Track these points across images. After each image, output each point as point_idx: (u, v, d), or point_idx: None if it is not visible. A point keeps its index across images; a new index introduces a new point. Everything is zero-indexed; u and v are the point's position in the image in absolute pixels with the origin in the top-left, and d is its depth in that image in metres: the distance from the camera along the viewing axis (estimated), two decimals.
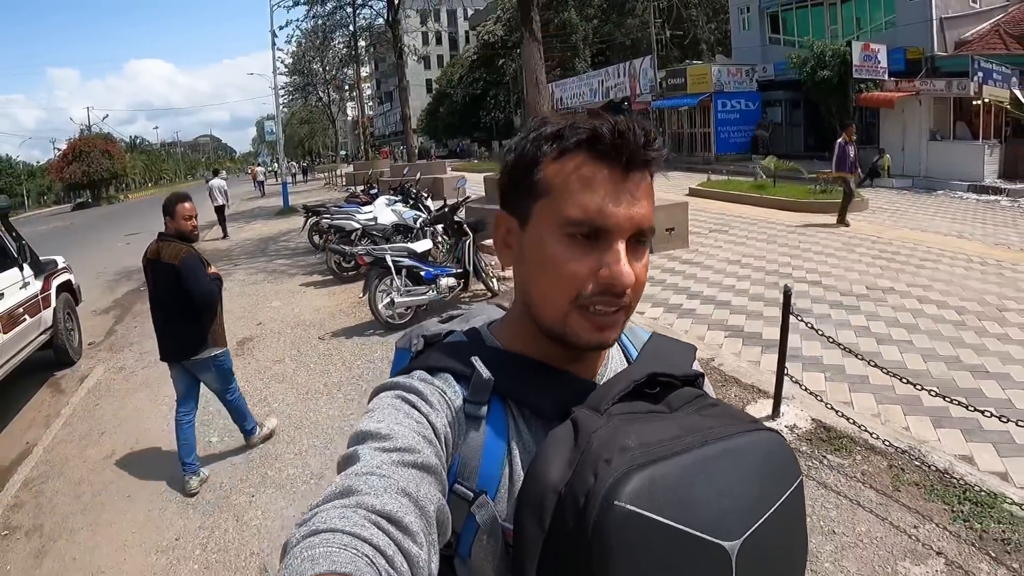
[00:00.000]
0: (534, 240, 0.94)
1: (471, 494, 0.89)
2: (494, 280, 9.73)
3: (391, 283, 8.46)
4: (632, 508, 0.74)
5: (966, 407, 4.41)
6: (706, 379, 1.09)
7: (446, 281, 8.76)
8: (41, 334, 8.18)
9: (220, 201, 20.91)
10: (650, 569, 0.74)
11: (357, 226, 11.77)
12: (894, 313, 8.11)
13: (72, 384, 8.10)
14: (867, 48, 23.19)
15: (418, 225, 11.15)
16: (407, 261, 8.55)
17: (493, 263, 9.93)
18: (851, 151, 13.92)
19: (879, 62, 23.33)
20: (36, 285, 8.21)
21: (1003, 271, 10.07)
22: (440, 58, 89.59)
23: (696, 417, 0.89)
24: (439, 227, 10.62)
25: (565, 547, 0.77)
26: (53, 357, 8.68)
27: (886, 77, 23.60)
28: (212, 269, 5.25)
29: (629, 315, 0.96)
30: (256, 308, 10.68)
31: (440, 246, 10.46)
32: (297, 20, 32.43)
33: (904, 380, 4.75)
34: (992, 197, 19.18)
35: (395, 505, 0.72)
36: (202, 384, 5.32)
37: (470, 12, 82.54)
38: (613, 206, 0.88)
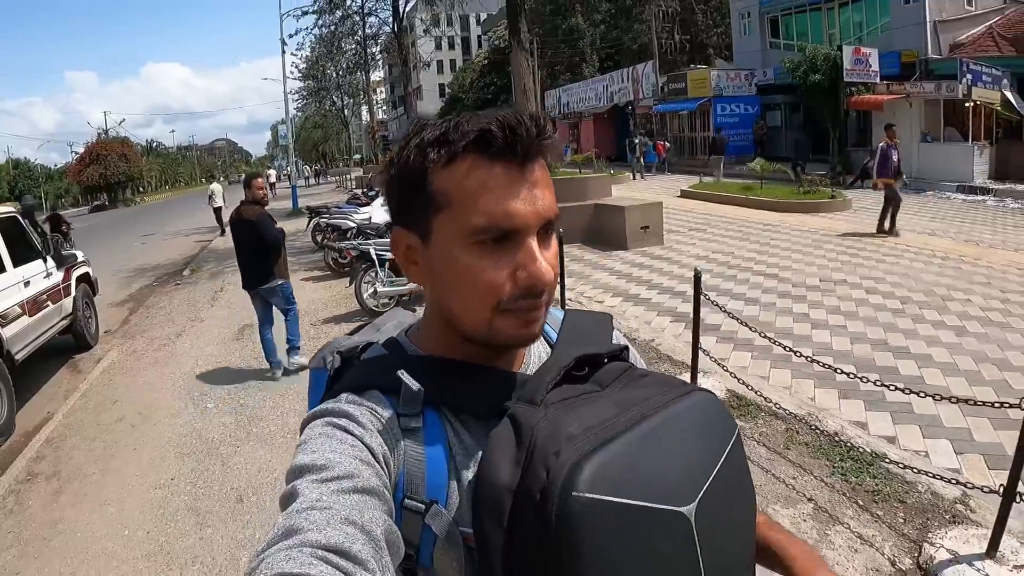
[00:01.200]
0: (442, 255, 0.92)
1: (422, 506, 0.89)
2: None
3: (376, 275, 9.33)
4: (590, 496, 0.75)
5: (874, 382, 4.66)
6: (631, 348, 1.11)
7: None
8: (62, 320, 9.09)
9: (219, 203, 23.73)
10: (617, 549, 0.76)
11: (352, 225, 12.68)
12: (838, 302, 8.81)
13: (89, 365, 9.02)
14: (858, 52, 23.65)
15: None
16: (390, 255, 9.38)
17: None
18: (894, 155, 13.36)
19: (870, 65, 23.79)
20: (58, 276, 9.11)
21: (962, 266, 10.64)
22: (453, 63, 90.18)
23: (629, 391, 0.91)
24: None
25: (530, 544, 0.77)
26: (72, 342, 9.64)
27: (877, 80, 24.03)
28: (278, 224, 7.56)
29: (549, 306, 0.96)
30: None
31: None
32: (307, 28, 33.25)
33: (798, 353, 5.41)
34: (979, 197, 19.63)
35: (340, 536, 0.71)
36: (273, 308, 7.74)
37: (483, 17, 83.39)
38: (517, 204, 0.88)
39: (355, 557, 0.70)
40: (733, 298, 8.95)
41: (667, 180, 27.60)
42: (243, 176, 8.70)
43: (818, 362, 5.06)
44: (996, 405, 3.87)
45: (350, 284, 9.52)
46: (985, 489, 3.69)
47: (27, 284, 8.14)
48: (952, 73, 21.70)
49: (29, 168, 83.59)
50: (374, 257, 9.34)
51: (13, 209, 8.70)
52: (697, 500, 0.83)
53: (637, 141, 31.37)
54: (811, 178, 19.49)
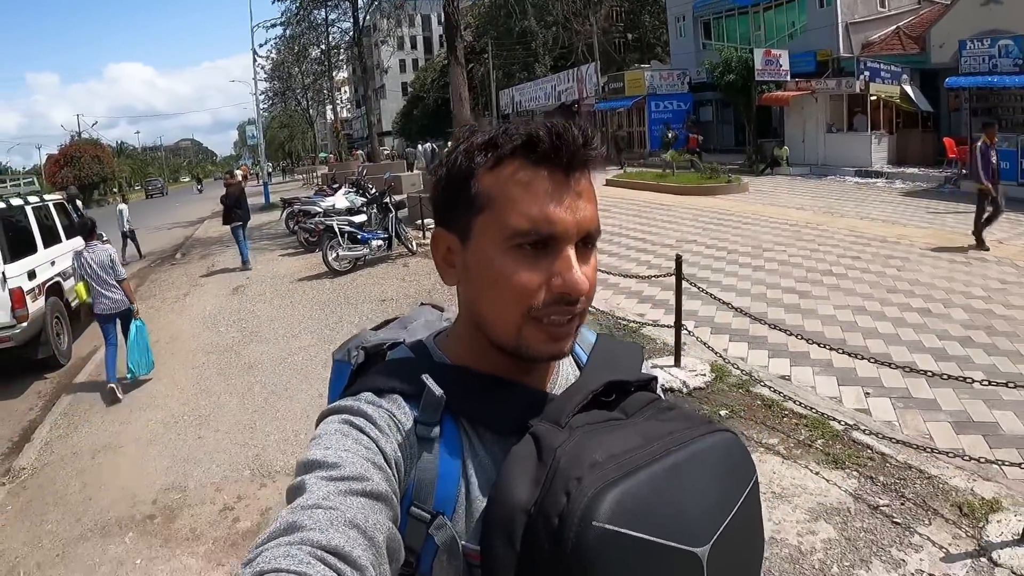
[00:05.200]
0: (479, 257, 0.92)
1: (428, 516, 0.89)
2: (412, 242, 13.66)
3: (338, 243, 12.33)
4: (609, 527, 0.75)
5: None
6: (658, 381, 1.09)
7: (376, 242, 12.79)
8: None
9: (127, 227, 20.10)
10: None
11: (320, 209, 15.68)
12: (686, 255, 11.45)
13: None
14: (768, 54, 26.42)
15: (358, 206, 15.05)
16: (348, 228, 12.52)
17: (413, 232, 13.85)
18: (993, 156, 11.33)
19: (781, 65, 26.52)
20: None
21: (801, 230, 13.46)
22: (416, 62, 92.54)
23: (654, 423, 0.90)
24: (374, 207, 14.47)
25: (540, 568, 0.77)
26: None
27: (788, 79, 26.67)
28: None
29: (582, 322, 0.96)
30: (245, 271, 14.52)
31: (373, 219, 14.23)
32: (275, 38, 35.14)
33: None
34: (872, 180, 22.21)
35: (342, 539, 0.72)
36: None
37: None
38: (559, 211, 0.88)
39: (354, 562, 0.71)
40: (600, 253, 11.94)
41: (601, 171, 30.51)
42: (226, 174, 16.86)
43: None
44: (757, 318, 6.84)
45: (318, 250, 12.51)
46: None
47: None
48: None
49: (1, 170, 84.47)
50: (336, 230, 12.40)
51: (61, 196, 11.50)
52: (711, 542, 0.82)
53: None
54: (713, 166, 22.40)
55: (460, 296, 1.00)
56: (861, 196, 18.74)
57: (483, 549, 0.82)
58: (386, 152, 51.82)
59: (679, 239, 13.24)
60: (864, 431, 5.03)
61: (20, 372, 8.86)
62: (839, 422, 5.17)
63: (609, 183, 24.52)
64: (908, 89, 24.36)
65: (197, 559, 4.25)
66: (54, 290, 9.51)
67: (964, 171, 19.46)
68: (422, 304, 1.27)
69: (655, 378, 1.05)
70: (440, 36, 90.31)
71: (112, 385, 7.39)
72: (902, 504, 4.17)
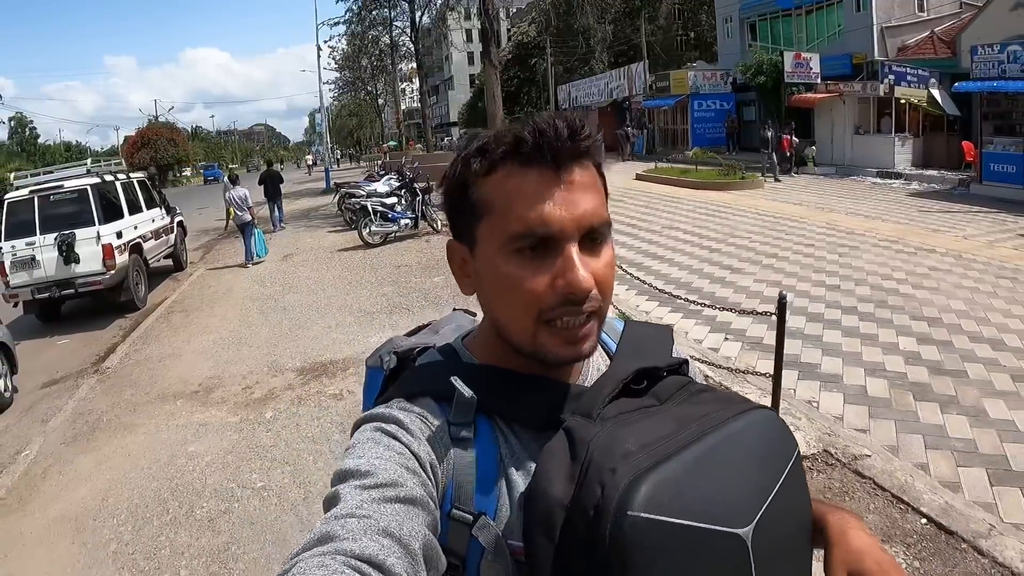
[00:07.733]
0: (485, 264, 0.93)
1: (470, 517, 0.89)
2: (438, 222, 15.76)
3: (371, 221, 14.56)
4: (646, 515, 0.74)
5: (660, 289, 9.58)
6: (690, 362, 1.11)
7: (404, 221, 15.01)
8: (168, 247, 14.35)
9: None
10: (671, 570, 0.75)
11: (363, 193, 17.89)
12: (663, 239, 13.44)
13: (185, 277, 14.35)
14: (798, 57, 27.47)
15: (392, 190, 17.27)
16: (380, 208, 14.74)
17: (440, 214, 15.99)
18: None
19: (811, 68, 27.49)
20: (167, 219, 14.31)
21: (780, 222, 14.51)
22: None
23: (688, 407, 0.90)
24: (404, 191, 16.66)
25: (580, 562, 0.76)
26: (172, 266, 15.03)
27: (818, 81, 27.53)
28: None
29: (602, 319, 0.94)
30: (296, 243, 17.10)
31: (404, 201, 16.37)
32: (339, 35, 37.08)
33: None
34: (890, 181, 22.72)
35: (375, 548, 0.72)
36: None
37: (512, 11, 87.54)
38: (553, 209, 0.86)
39: (388, 570, 0.70)
40: None
41: (637, 165, 31.91)
42: (268, 161, 22.74)
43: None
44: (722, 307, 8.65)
45: (354, 227, 14.78)
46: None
47: (153, 221, 13.27)
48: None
49: (81, 151, 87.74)
50: (370, 209, 14.67)
51: (144, 175, 13.92)
52: (755, 522, 0.81)
53: (630, 131, 36.32)
54: (731, 163, 23.77)
55: (480, 303, 1.00)
56: (867, 195, 19.31)
57: (525, 546, 0.81)
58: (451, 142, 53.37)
59: (665, 226, 14.92)
60: (703, 361, 6.51)
61: (106, 312, 11.36)
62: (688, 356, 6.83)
63: (639, 177, 26.09)
64: (936, 93, 24.52)
65: (221, 411, 6.46)
66: (135, 249, 11.82)
67: (975, 174, 20.22)
68: (455, 309, 1.28)
69: (686, 360, 1.07)
70: (508, 29, 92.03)
71: (247, 261, 14.15)
72: None
